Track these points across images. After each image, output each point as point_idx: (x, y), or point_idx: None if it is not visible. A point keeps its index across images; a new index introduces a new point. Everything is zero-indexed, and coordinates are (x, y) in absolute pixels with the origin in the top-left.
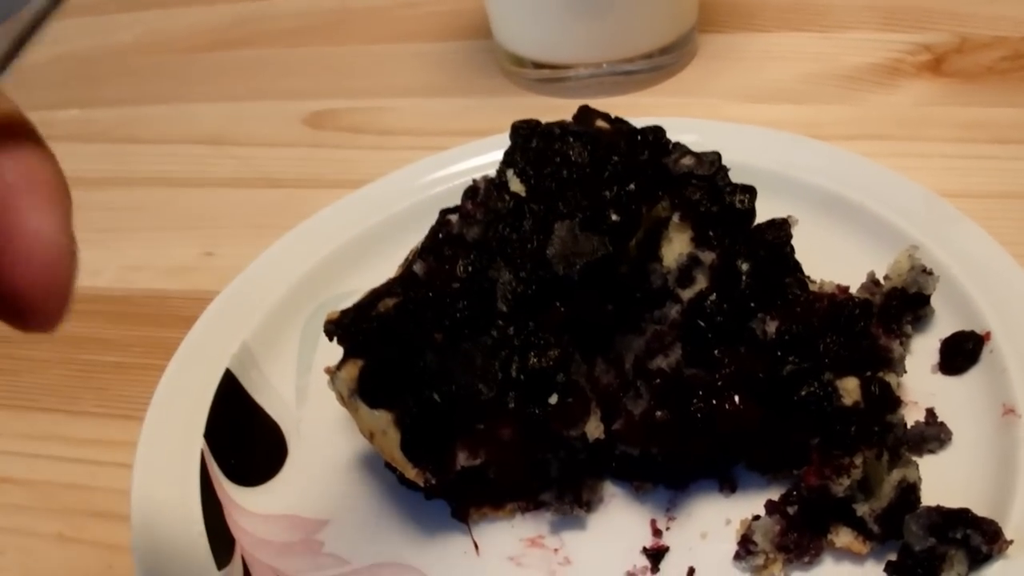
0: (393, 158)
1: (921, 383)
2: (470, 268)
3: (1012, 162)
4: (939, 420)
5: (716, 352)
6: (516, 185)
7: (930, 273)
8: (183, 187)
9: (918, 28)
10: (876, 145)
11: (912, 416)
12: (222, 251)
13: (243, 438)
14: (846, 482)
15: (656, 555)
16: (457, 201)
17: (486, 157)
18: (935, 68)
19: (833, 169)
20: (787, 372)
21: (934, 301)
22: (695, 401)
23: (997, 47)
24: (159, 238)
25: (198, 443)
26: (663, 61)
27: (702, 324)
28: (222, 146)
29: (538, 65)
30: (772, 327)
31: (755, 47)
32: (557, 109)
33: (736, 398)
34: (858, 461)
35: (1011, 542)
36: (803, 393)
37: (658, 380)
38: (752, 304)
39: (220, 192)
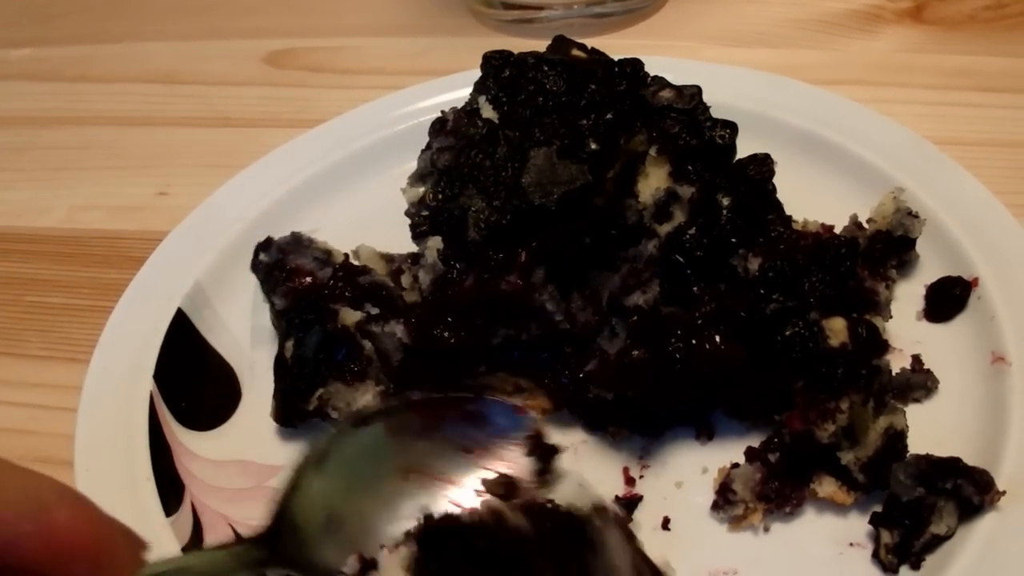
0: (354, 97)
1: (906, 330)
2: (439, 196)
3: (996, 110)
4: (925, 367)
5: (695, 289)
6: (488, 112)
7: (916, 216)
8: (136, 126)
9: None
10: (855, 90)
11: (898, 364)
12: (176, 191)
13: (194, 380)
14: (831, 427)
15: (629, 504)
16: (421, 140)
17: (452, 94)
18: (916, 15)
19: (815, 110)
20: (770, 310)
21: (919, 246)
22: (673, 340)
23: None
24: (110, 177)
25: (147, 385)
26: (637, 3)
27: (680, 259)
28: (177, 85)
29: (508, 5)
30: (755, 264)
31: None
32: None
33: (717, 337)
34: (844, 405)
35: (1003, 493)
36: (787, 333)
37: (635, 317)
38: (733, 240)
39: (174, 131)
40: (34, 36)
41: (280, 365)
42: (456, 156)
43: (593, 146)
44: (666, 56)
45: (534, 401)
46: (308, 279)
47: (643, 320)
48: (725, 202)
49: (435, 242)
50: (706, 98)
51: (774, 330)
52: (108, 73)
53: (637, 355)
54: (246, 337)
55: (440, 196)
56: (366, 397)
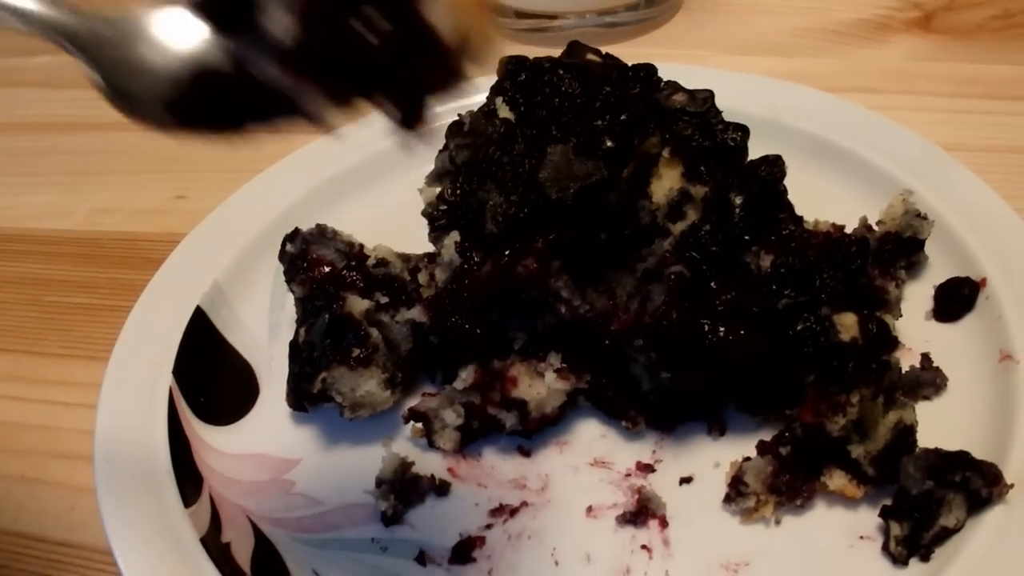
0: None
1: (915, 330)
2: (458, 191)
3: (1004, 117)
4: (934, 365)
5: (712, 284)
6: (505, 112)
7: (924, 217)
8: (154, 131)
9: None
10: (865, 98)
11: (907, 362)
12: (194, 194)
13: (213, 376)
14: (842, 420)
15: (641, 496)
16: (435, 145)
17: (466, 100)
18: (924, 25)
19: (824, 115)
20: (783, 306)
21: (927, 248)
22: (703, 316)
23: (987, 5)
24: (130, 181)
25: (166, 380)
26: (649, 12)
27: (695, 255)
28: None
29: (521, 14)
30: (767, 261)
31: None
32: None
33: (738, 326)
34: (855, 399)
35: (1011, 486)
36: (799, 327)
37: (673, 278)
38: (746, 237)
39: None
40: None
41: (293, 350)
42: (475, 153)
43: (609, 144)
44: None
45: (564, 381)
46: (327, 269)
47: (682, 284)
48: (738, 201)
49: (453, 236)
50: (717, 104)
51: (786, 325)
52: None
53: (675, 315)
54: (264, 334)
55: (459, 191)
56: (370, 383)
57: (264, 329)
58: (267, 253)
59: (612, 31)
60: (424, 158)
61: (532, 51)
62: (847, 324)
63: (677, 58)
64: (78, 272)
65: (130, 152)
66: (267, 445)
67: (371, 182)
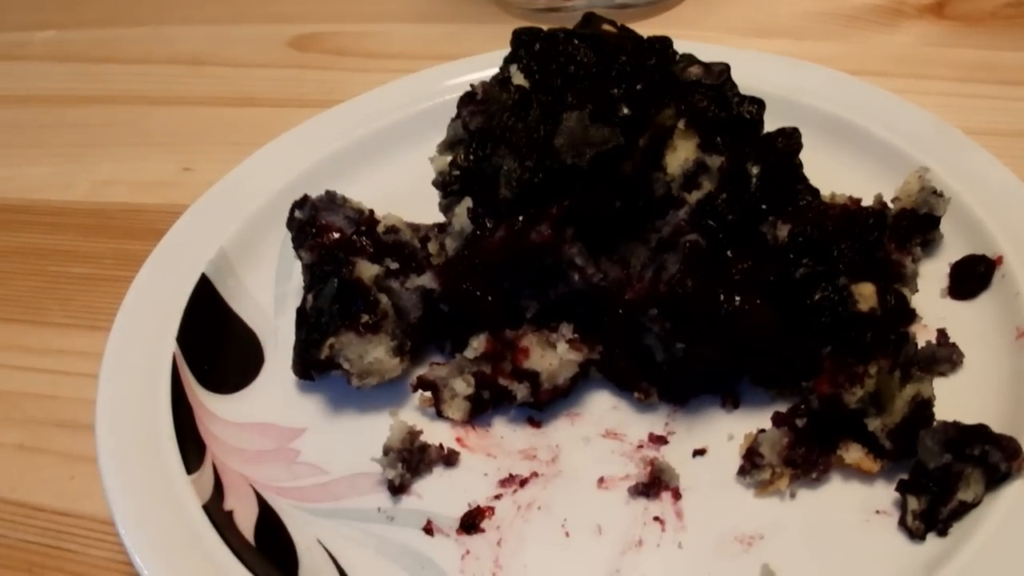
0: (378, 80)
1: (931, 307)
2: (471, 157)
3: (1016, 102)
4: (951, 342)
5: (728, 253)
6: (520, 80)
7: (940, 195)
8: (160, 104)
9: None
10: (877, 82)
11: (922, 339)
12: (200, 167)
13: (218, 345)
14: (859, 392)
15: (654, 467)
16: (447, 117)
17: (479, 74)
18: (937, 11)
19: (839, 94)
20: (800, 275)
21: (943, 226)
22: (718, 285)
23: None
24: (135, 154)
25: (170, 347)
26: None
27: (711, 224)
28: (202, 66)
29: None
30: (784, 231)
31: None
32: None
33: (753, 296)
34: (872, 370)
35: None
36: (817, 297)
37: (688, 247)
38: (763, 207)
39: (199, 110)
40: (59, 19)
41: (300, 316)
42: (489, 119)
43: (625, 111)
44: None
45: (577, 352)
46: (336, 235)
47: (697, 253)
48: (754, 171)
49: (465, 203)
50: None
51: (804, 294)
52: (133, 55)
53: (690, 283)
54: (270, 305)
55: (472, 156)
56: (378, 350)
57: (270, 300)
58: (275, 223)
59: (624, 12)
60: (433, 131)
61: None
62: (866, 294)
63: (690, 40)
64: (81, 243)
65: (135, 125)
66: (272, 414)
67: (381, 154)
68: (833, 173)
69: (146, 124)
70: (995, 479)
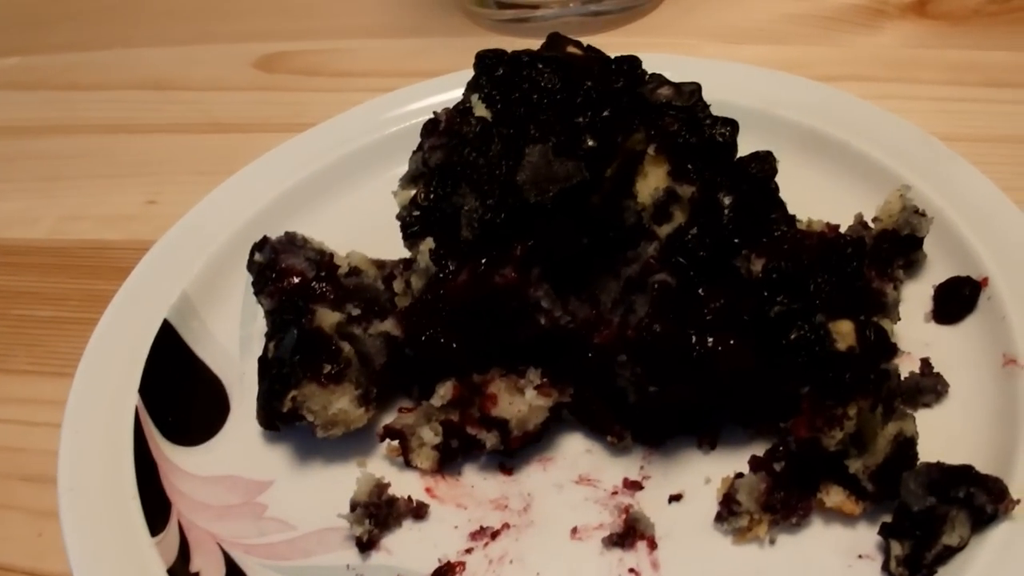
0: (348, 101)
1: (914, 332)
2: (431, 196)
3: (1003, 105)
4: (935, 371)
5: (699, 291)
6: (481, 110)
7: (923, 214)
8: (126, 133)
9: None
10: (861, 87)
11: (906, 367)
12: (165, 199)
13: (181, 393)
14: (839, 435)
15: (629, 516)
16: (414, 143)
17: (445, 95)
18: (919, 10)
19: (817, 106)
20: (775, 313)
21: (927, 246)
22: (691, 325)
23: None
24: (99, 186)
25: (132, 399)
26: (635, 0)
27: (682, 261)
28: (168, 91)
29: (502, 4)
30: (758, 265)
31: None
32: None
33: (728, 336)
34: (852, 412)
35: (1018, 502)
36: (793, 336)
37: (656, 287)
38: (736, 240)
39: (165, 138)
40: (23, 44)
41: (262, 366)
42: (448, 154)
43: (590, 143)
44: (664, 53)
45: (546, 397)
46: (297, 279)
47: (666, 294)
48: (727, 201)
49: (427, 244)
50: (706, 96)
51: (779, 333)
52: (98, 80)
53: (659, 327)
54: (235, 347)
55: (432, 195)
56: (342, 400)
57: (235, 342)
58: (238, 261)
59: (597, 20)
60: (403, 155)
61: (514, 42)
62: (843, 332)
63: (665, 47)
64: (46, 283)
65: (101, 155)
66: (238, 466)
67: (346, 184)
68: (812, 190)
69: (111, 153)
70: (981, 521)
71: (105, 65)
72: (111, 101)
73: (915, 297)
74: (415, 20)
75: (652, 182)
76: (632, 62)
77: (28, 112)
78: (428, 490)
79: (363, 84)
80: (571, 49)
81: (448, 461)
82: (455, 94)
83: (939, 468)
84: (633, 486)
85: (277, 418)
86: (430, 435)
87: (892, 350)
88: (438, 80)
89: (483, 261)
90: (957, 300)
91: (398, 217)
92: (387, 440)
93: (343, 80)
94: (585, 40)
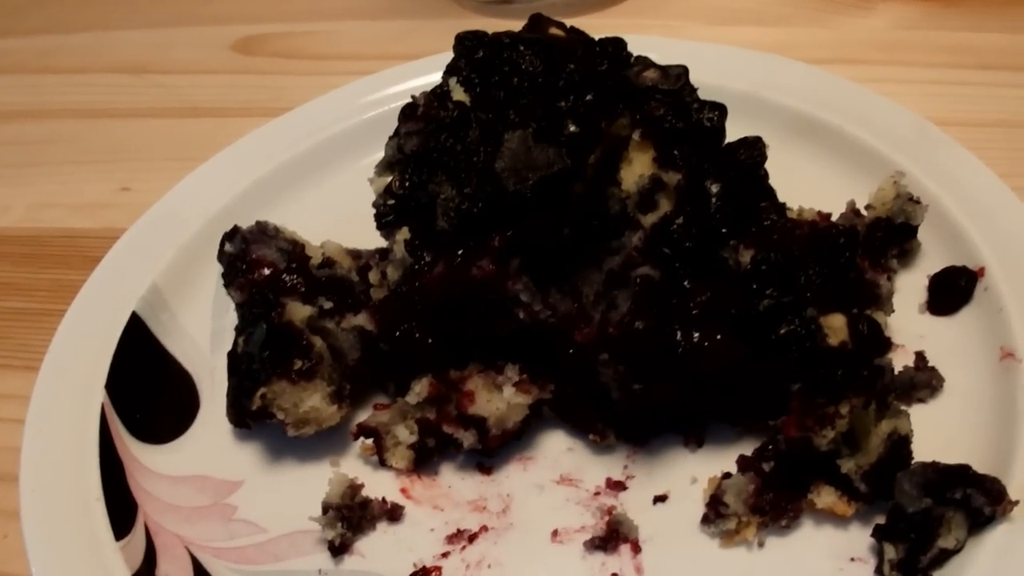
0: (328, 84)
1: (909, 324)
2: (407, 184)
3: (999, 89)
4: (930, 365)
5: (685, 284)
6: (460, 94)
7: (917, 202)
8: (100, 118)
9: None
10: (852, 70)
11: (900, 361)
12: (139, 186)
13: (150, 389)
14: (830, 434)
15: (611, 518)
16: (393, 127)
17: (426, 78)
18: None
19: (808, 90)
20: (764, 307)
21: (921, 234)
22: (675, 321)
23: None
24: (73, 173)
25: (98, 396)
26: None
27: (667, 252)
28: (144, 75)
29: None
30: (747, 256)
31: None
32: None
33: (715, 331)
34: (844, 410)
35: (1016, 503)
36: (782, 331)
37: (639, 282)
38: (723, 230)
39: (140, 123)
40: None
41: (232, 361)
42: (424, 141)
43: (572, 128)
44: (650, 35)
45: (525, 395)
46: (267, 271)
47: (649, 289)
48: (714, 189)
49: (403, 234)
50: (693, 79)
51: (768, 328)
52: (74, 64)
53: (641, 325)
54: (206, 341)
55: (407, 183)
56: (314, 398)
57: (206, 336)
58: (210, 250)
59: (582, 1)
60: (381, 143)
61: (498, 24)
62: (835, 327)
63: (652, 29)
64: (16, 273)
65: (74, 141)
66: (208, 466)
67: (322, 170)
68: (803, 177)
69: (85, 140)
70: (978, 523)
71: (81, 48)
72: (86, 85)
73: (909, 288)
74: (398, 1)
75: (637, 169)
76: (617, 44)
77: (2, 96)
78: (403, 491)
79: (344, 67)
80: (554, 31)
81: (424, 461)
82: (437, 77)
83: (935, 468)
84: (616, 486)
85: (247, 416)
86: (405, 434)
87: (886, 344)
88: (419, 63)
89: (460, 252)
90: (953, 291)
91: (374, 205)
92: (361, 439)
93: (324, 63)
94: (569, 21)
